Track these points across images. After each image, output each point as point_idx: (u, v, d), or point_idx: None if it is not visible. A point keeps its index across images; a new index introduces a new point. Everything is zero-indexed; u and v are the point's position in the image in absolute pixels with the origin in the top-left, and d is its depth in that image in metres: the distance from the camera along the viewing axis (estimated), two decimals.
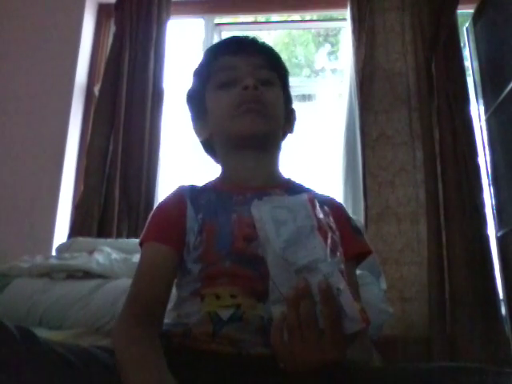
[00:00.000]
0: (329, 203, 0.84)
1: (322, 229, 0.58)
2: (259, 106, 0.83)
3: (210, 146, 0.94)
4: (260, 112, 0.83)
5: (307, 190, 0.90)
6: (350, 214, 0.92)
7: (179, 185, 0.90)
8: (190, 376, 0.66)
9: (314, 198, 0.61)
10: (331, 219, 0.62)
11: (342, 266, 0.57)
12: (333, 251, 0.57)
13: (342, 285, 0.54)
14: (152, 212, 0.87)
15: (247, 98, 0.83)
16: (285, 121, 0.92)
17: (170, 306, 0.80)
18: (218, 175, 0.93)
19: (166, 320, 0.79)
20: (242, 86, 0.84)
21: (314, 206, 0.60)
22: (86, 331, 1.19)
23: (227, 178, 0.90)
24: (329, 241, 0.57)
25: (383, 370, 0.67)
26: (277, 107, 0.88)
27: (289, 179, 0.93)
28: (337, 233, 0.61)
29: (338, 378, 0.62)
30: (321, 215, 0.60)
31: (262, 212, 0.59)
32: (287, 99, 0.94)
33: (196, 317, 0.72)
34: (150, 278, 0.77)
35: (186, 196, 0.85)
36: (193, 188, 0.89)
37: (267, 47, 0.93)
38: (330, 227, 0.60)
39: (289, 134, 0.96)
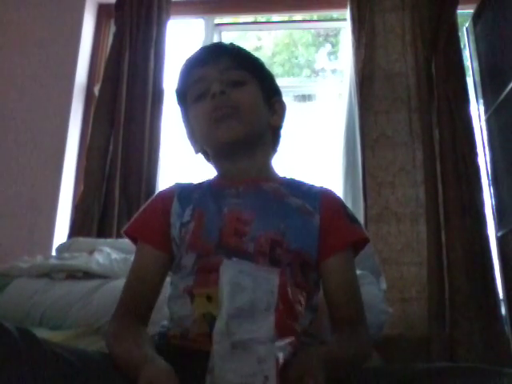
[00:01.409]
0: (322, 195, 0.86)
1: (280, 311, 0.56)
2: (230, 111, 0.84)
3: (206, 154, 0.95)
4: (232, 116, 0.83)
5: (301, 184, 0.90)
6: None
7: (176, 182, 0.93)
8: (190, 377, 0.66)
9: (286, 281, 0.59)
10: (301, 307, 0.60)
11: (282, 354, 0.54)
12: (282, 336, 0.55)
13: (271, 374, 0.52)
14: (146, 203, 0.90)
15: (216, 106, 0.84)
16: (271, 113, 0.92)
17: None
18: (215, 175, 0.94)
19: (163, 321, 0.80)
20: (210, 96, 0.85)
21: (283, 285, 0.58)
22: (86, 331, 1.19)
23: (222, 177, 0.92)
24: (284, 325, 0.56)
25: (383, 370, 0.67)
26: (251, 105, 0.87)
27: (284, 177, 0.93)
28: (301, 319, 0.59)
29: (338, 378, 0.62)
30: (290, 297, 0.58)
31: (226, 272, 0.58)
32: (269, 92, 0.93)
33: (191, 319, 0.73)
34: (137, 279, 0.82)
35: (175, 193, 0.87)
36: (187, 185, 0.90)
37: (232, 48, 0.92)
38: (296, 313, 0.58)
39: (282, 126, 0.94)
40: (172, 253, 0.83)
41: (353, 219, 0.86)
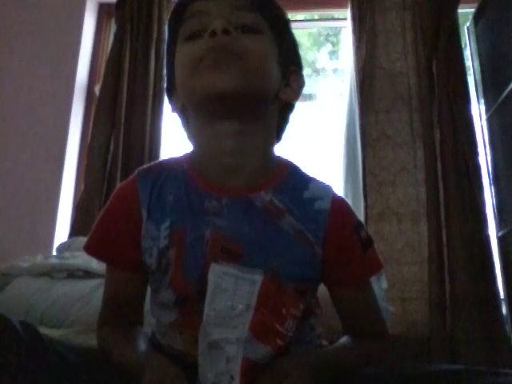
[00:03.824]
0: (329, 217, 0.68)
1: (261, 312, 0.55)
2: (230, 57, 0.61)
3: (187, 121, 0.72)
4: (234, 64, 0.61)
5: (304, 187, 0.70)
6: None
7: (138, 171, 0.71)
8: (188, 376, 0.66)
9: (273, 282, 0.57)
10: (293, 308, 0.58)
11: (255, 355, 0.54)
12: (260, 338, 0.55)
13: (236, 374, 0.53)
14: (104, 209, 0.71)
15: (214, 47, 0.61)
16: (283, 84, 0.69)
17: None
18: (191, 153, 0.72)
19: (155, 331, 0.74)
20: (208, 33, 0.62)
21: (267, 286, 0.57)
22: (84, 329, 1.19)
23: (200, 161, 0.69)
24: (264, 326, 0.55)
25: (383, 371, 0.67)
26: (262, 58, 0.64)
27: (292, 164, 0.73)
28: (290, 321, 0.57)
29: (338, 379, 0.62)
30: (277, 299, 0.57)
31: (211, 275, 0.58)
32: (287, 55, 0.70)
33: (182, 348, 0.66)
34: (114, 299, 0.72)
35: (140, 195, 0.68)
36: (155, 177, 0.69)
37: None
38: (282, 315, 0.57)
39: (294, 106, 0.74)
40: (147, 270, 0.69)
41: (366, 244, 0.71)
